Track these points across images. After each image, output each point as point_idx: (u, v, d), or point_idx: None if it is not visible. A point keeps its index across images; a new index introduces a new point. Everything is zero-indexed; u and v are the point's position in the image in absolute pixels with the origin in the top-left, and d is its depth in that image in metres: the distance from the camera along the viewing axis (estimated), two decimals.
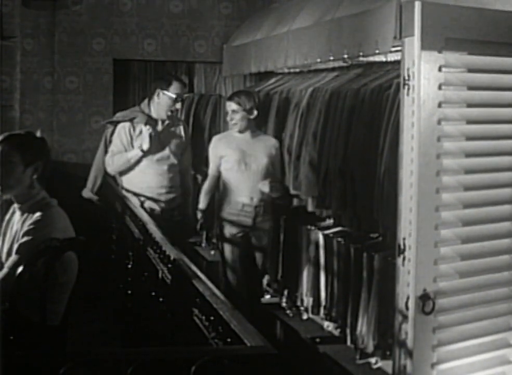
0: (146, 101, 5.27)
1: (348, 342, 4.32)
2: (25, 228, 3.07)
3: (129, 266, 4.37)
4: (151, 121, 5.14)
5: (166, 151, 5.18)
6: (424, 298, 2.87)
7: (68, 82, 6.67)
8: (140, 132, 5.08)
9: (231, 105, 4.97)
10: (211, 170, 5.07)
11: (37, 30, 6.51)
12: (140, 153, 5.05)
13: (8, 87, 6.49)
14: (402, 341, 3.13)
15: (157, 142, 5.10)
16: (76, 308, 3.20)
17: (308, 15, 4.67)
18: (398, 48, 3.51)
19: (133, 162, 5.09)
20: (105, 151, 5.22)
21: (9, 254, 3.11)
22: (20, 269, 2.92)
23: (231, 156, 4.96)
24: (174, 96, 5.09)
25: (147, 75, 7.29)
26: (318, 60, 4.38)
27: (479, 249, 3.08)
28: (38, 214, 3.09)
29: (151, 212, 4.91)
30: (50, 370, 1.98)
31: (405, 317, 3.04)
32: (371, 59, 4.40)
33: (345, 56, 4.04)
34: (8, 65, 6.43)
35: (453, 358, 2.95)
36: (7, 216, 3.26)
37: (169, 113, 5.14)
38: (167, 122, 5.19)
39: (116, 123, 5.20)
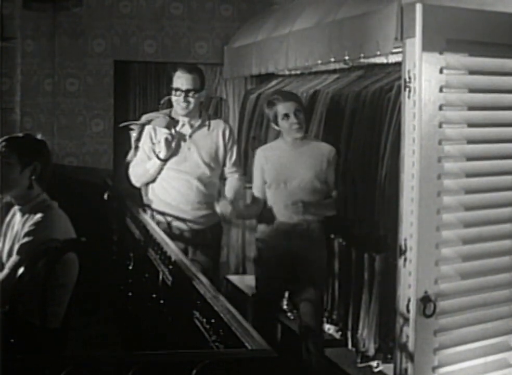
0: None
1: (349, 346, 4.31)
2: (26, 229, 3.08)
3: (130, 267, 4.37)
4: (174, 124, 4.34)
5: (195, 160, 4.33)
6: (425, 300, 2.86)
7: (69, 84, 6.67)
8: (161, 137, 4.33)
9: (294, 106, 4.10)
10: (255, 189, 4.20)
11: (38, 32, 6.51)
12: (158, 162, 4.29)
13: (8, 89, 6.49)
14: (404, 344, 3.13)
15: (182, 149, 4.33)
16: (76, 310, 3.19)
17: (309, 17, 4.67)
18: (399, 50, 3.51)
19: (153, 172, 4.33)
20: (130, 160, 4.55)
21: (9, 255, 3.11)
22: (21, 269, 2.93)
23: (269, 171, 4.14)
24: (177, 91, 4.29)
25: (148, 76, 7.29)
26: (319, 61, 4.37)
27: (480, 251, 3.07)
28: (38, 215, 3.10)
29: (176, 233, 4.28)
30: (50, 373, 1.98)
31: (406, 320, 3.04)
32: (372, 60, 4.40)
33: (346, 58, 4.03)
34: (8, 67, 6.43)
35: (455, 361, 2.94)
36: (8, 218, 3.26)
37: (185, 111, 4.32)
38: (198, 123, 4.36)
39: (141, 127, 4.46)
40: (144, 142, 4.39)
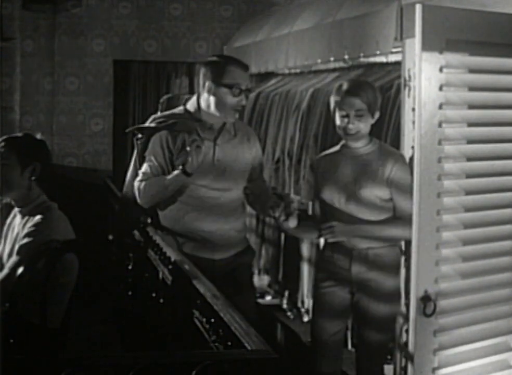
0: (194, 98, 3.55)
1: (349, 346, 4.30)
2: (26, 230, 3.08)
3: (130, 267, 4.37)
4: (200, 128, 3.47)
5: (225, 176, 3.50)
6: (426, 300, 2.86)
7: (68, 83, 6.68)
8: (183, 145, 3.38)
9: (356, 104, 3.19)
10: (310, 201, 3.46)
11: (37, 32, 6.53)
12: (183, 177, 3.36)
13: (8, 88, 6.50)
14: (403, 345, 3.13)
15: (210, 162, 3.47)
16: (76, 310, 3.20)
17: (309, 18, 4.68)
18: (399, 49, 3.52)
19: (171, 190, 3.42)
20: (136, 174, 3.56)
21: (10, 256, 3.12)
22: (20, 269, 2.93)
23: (321, 181, 3.38)
24: (232, 88, 3.40)
25: (147, 76, 7.30)
26: (319, 60, 4.38)
27: (481, 251, 3.07)
28: (38, 217, 3.10)
29: (196, 262, 3.24)
30: (50, 374, 1.98)
31: (406, 319, 3.03)
32: (372, 60, 4.41)
33: (346, 57, 4.04)
34: (8, 67, 6.45)
35: (455, 362, 2.94)
36: (8, 220, 3.27)
37: (234, 114, 3.46)
38: (228, 129, 3.53)
39: (151, 132, 3.50)
40: (156, 152, 3.47)
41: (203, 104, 3.48)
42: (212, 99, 3.44)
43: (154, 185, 3.44)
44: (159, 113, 3.66)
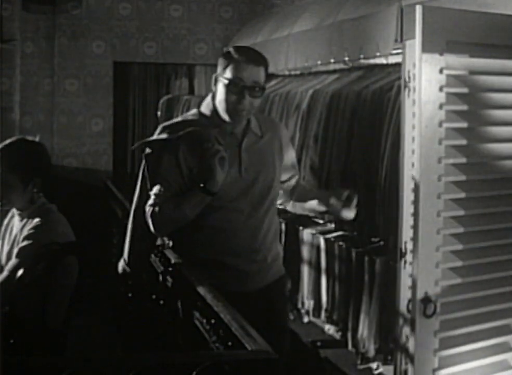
0: (209, 98, 2.99)
1: (350, 347, 4.31)
2: (25, 232, 3.08)
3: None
4: (220, 134, 2.89)
5: (256, 189, 2.93)
6: (426, 301, 2.86)
7: (68, 84, 6.69)
8: (203, 158, 2.78)
9: None
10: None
11: (37, 33, 6.54)
12: (205, 198, 2.81)
13: (8, 89, 6.51)
14: (404, 345, 3.13)
15: (236, 173, 2.90)
16: (77, 311, 3.20)
17: (309, 19, 4.68)
18: (399, 51, 3.52)
19: (193, 213, 2.84)
20: (145, 197, 2.96)
21: (8, 258, 3.11)
22: (20, 272, 2.94)
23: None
24: (230, 83, 2.82)
25: (147, 77, 7.31)
26: (319, 62, 4.38)
27: (481, 252, 3.07)
28: (38, 219, 3.09)
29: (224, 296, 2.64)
30: None
31: (406, 320, 3.03)
32: (372, 61, 4.41)
33: (346, 59, 4.04)
34: (8, 68, 6.46)
35: (455, 362, 2.94)
36: (6, 220, 3.26)
37: (239, 116, 2.87)
38: (254, 130, 2.97)
39: (163, 145, 2.89)
40: (171, 169, 2.87)
41: (217, 103, 2.92)
42: (218, 96, 2.90)
43: (170, 210, 2.85)
44: (169, 121, 3.06)
